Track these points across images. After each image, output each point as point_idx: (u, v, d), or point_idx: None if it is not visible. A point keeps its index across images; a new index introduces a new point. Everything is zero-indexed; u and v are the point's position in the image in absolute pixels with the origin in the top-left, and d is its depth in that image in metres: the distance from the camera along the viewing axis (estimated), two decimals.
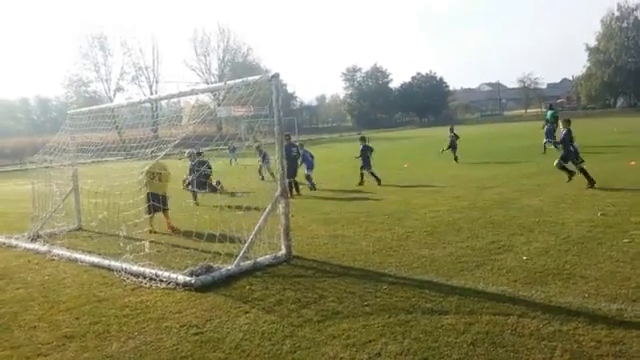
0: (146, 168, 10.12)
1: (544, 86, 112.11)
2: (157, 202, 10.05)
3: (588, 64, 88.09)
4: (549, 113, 24.09)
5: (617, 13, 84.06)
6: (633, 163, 16.45)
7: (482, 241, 8.00)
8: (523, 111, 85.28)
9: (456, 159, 21.18)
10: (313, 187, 15.61)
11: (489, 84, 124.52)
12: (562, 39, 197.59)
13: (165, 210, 10.60)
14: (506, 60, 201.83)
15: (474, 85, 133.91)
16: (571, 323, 4.77)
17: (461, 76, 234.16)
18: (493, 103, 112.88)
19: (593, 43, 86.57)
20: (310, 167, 16.03)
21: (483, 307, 5.31)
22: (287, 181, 8.40)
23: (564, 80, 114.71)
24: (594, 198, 10.86)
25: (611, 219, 8.82)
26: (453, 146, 21.62)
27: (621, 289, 5.55)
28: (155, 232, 10.22)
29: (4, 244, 10.40)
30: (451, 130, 22.12)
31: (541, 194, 11.91)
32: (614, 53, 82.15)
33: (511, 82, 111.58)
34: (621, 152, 20.52)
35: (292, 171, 13.73)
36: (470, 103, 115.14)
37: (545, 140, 21.94)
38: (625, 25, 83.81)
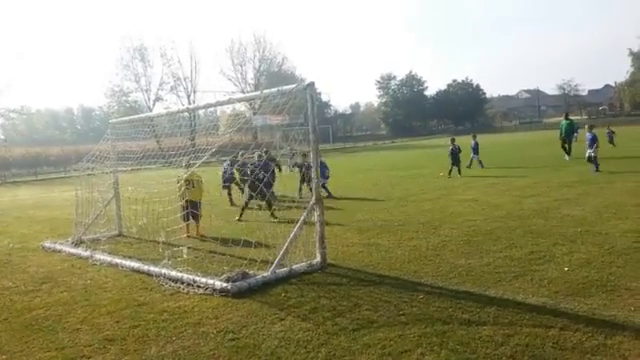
0: (184, 176, 10.36)
1: (585, 93, 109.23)
2: (194, 209, 10.29)
3: (632, 69, 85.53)
4: (565, 123, 23.79)
5: None
6: None
7: (521, 251, 7.82)
8: (562, 118, 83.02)
9: (450, 172, 19.96)
10: (330, 195, 15.81)
11: (528, 91, 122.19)
12: (604, 44, 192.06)
13: (197, 217, 10.79)
14: (546, 66, 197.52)
15: (512, 92, 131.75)
16: (616, 337, 4.60)
17: (499, 83, 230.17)
18: (532, 110, 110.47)
19: (637, 48, 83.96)
20: (324, 177, 15.97)
21: (523, 319, 5.18)
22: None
23: (606, 86, 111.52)
24: (639, 208, 10.46)
25: None
26: (455, 160, 20.08)
27: None
28: (191, 237, 10.44)
29: (50, 249, 10.77)
30: (452, 141, 20.79)
31: (583, 203, 11.55)
32: None
33: (551, 89, 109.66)
34: None
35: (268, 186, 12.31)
36: (508, 110, 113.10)
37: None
38: None
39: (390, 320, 5.41)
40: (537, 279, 6.42)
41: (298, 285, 6.92)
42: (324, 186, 16.05)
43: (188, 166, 10.48)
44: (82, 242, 10.83)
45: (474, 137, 23.02)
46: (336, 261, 7.99)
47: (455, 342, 4.74)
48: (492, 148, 33.41)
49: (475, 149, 22.71)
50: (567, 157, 22.80)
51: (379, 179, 20.84)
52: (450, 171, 20.03)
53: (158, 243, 8.78)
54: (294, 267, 7.47)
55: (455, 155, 20.16)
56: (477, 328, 5.02)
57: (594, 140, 17.61)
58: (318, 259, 7.77)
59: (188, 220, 10.68)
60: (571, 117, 25.59)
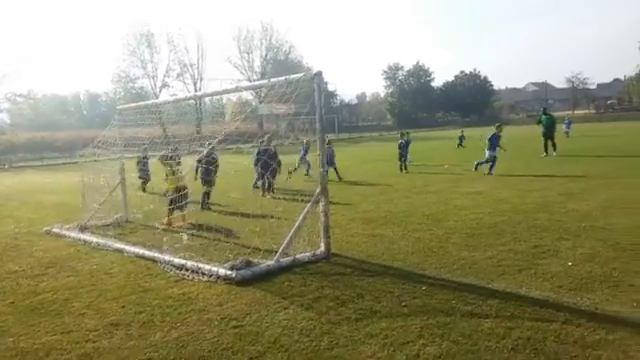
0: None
1: (594, 86, 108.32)
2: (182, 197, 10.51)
3: None
4: (542, 117, 23.57)
5: None
6: None
7: (525, 245, 7.82)
8: (570, 112, 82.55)
9: (402, 168, 19.44)
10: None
11: (535, 84, 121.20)
12: (614, 38, 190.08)
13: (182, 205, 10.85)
14: (554, 59, 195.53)
15: (520, 85, 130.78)
16: (618, 332, 4.62)
17: (507, 75, 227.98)
18: (540, 103, 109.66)
19: None
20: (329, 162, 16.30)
21: (525, 312, 5.20)
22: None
23: (615, 80, 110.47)
24: None
25: None
26: (403, 154, 19.55)
27: None
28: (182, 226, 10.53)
29: (56, 234, 10.86)
30: (402, 135, 20.36)
31: (587, 198, 11.53)
32: None
33: (559, 82, 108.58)
34: None
35: (266, 173, 13.76)
36: (515, 103, 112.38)
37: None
38: None
39: (393, 311, 5.45)
40: (540, 273, 6.44)
41: (302, 274, 6.96)
42: (335, 169, 17.16)
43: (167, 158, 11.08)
44: (88, 227, 10.92)
45: (402, 135, 21.04)
46: (340, 251, 8.03)
47: (457, 334, 4.77)
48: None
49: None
50: (545, 154, 22.47)
51: (384, 170, 20.81)
52: (400, 167, 19.55)
53: (158, 229, 8.82)
54: (298, 256, 7.51)
55: (403, 149, 19.58)
56: (479, 320, 5.05)
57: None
58: (322, 249, 7.81)
59: (181, 208, 10.83)
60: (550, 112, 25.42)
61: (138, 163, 16.35)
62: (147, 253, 8.36)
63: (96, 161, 12.77)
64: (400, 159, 19.66)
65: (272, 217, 9.46)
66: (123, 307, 6.06)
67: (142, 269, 7.72)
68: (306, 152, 18.75)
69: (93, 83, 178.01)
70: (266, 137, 14.76)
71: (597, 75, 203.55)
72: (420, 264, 7.15)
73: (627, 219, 9.13)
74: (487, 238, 8.38)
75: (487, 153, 17.66)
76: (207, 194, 12.88)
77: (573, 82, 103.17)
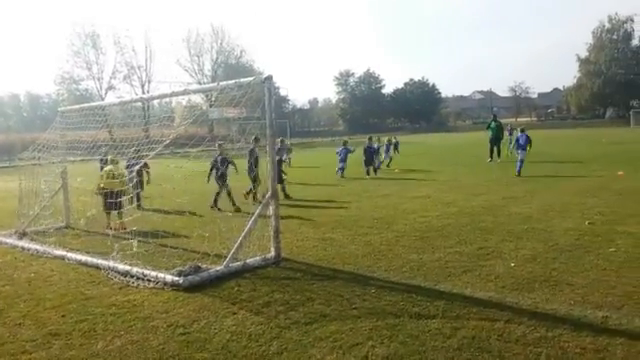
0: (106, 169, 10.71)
1: (535, 95, 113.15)
2: (112, 199, 10.26)
3: (579, 74, 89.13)
4: (492, 124, 24.49)
5: (608, 25, 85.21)
6: (621, 173, 16.64)
7: (470, 247, 8.05)
8: (514, 119, 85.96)
9: (369, 172, 19.68)
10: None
11: (481, 92, 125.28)
12: (554, 50, 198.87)
13: (116, 207, 10.59)
14: (499, 69, 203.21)
15: (466, 93, 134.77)
16: (557, 330, 4.81)
17: (454, 83, 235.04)
18: (485, 111, 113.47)
19: (584, 54, 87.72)
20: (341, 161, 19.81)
21: (470, 312, 5.34)
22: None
23: (555, 90, 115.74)
24: (582, 207, 10.97)
25: (598, 228, 8.91)
26: (369, 159, 19.85)
27: (607, 297, 5.61)
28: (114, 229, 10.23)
29: None
30: (344, 144, 20.59)
31: (530, 201, 12.01)
32: (604, 64, 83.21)
33: (503, 91, 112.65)
34: (609, 162, 20.77)
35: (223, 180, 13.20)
36: (462, 110, 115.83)
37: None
38: (615, 37, 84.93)
39: (342, 314, 5.47)
40: (485, 274, 6.63)
41: (252, 279, 6.89)
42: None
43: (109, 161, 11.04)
44: (26, 234, 10.41)
45: (344, 143, 21.54)
46: (291, 255, 7.99)
47: (405, 335, 4.84)
48: (446, 147, 34.24)
49: (389, 148, 23.24)
50: (490, 159, 23.28)
51: (335, 174, 20.95)
52: (368, 171, 19.76)
53: (108, 236, 8.53)
54: (248, 261, 7.43)
55: (369, 154, 19.90)
56: (426, 321, 5.14)
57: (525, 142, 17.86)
58: (272, 253, 7.75)
59: (109, 210, 10.67)
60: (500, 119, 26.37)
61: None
62: (90, 260, 8.04)
63: (36, 165, 12.19)
64: (367, 164, 19.90)
65: (222, 221, 9.31)
66: (63, 316, 5.79)
67: (84, 276, 7.42)
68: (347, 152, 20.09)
69: (34, 84, 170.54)
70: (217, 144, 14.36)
71: (538, 85, 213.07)
72: (370, 267, 7.22)
73: (565, 221, 9.57)
74: (435, 241, 8.57)
75: (520, 154, 17.75)
76: (219, 194, 13.13)
77: (516, 91, 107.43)
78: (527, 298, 5.70)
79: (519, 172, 17.20)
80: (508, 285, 6.17)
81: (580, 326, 4.87)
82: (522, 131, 18.56)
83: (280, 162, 14.94)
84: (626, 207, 10.73)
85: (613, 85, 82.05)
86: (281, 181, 14.00)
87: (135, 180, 9.85)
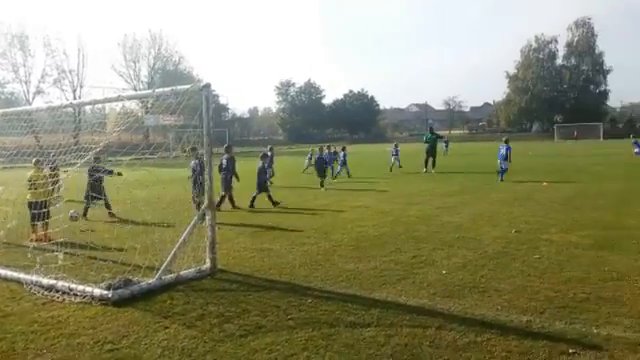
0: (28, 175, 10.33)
1: (467, 109, 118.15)
2: (36, 210, 9.90)
3: (508, 90, 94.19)
4: (428, 136, 25.30)
5: (534, 44, 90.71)
6: (545, 184, 17.66)
7: (405, 255, 8.23)
8: (448, 132, 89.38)
9: (322, 184, 18.65)
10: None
11: (417, 105, 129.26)
12: (486, 66, 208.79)
13: (40, 218, 10.13)
14: (435, 83, 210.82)
15: (403, 105, 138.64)
16: (485, 334, 4.99)
17: (391, 96, 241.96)
18: (421, 123, 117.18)
19: (513, 71, 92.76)
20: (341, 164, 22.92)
21: (403, 320, 5.45)
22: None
23: (486, 104, 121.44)
24: (509, 216, 11.51)
25: (524, 236, 9.37)
26: (320, 170, 19.01)
27: (531, 302, 5.89)
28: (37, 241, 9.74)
29: None
30: (320, 149, 20.35)
31: (461, 211, 12.46)
32: (531, 81, 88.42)
33: (438, 104, 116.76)
34: (534, 173, 21.97)
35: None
36: (399, 122, 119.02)
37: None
38: (541, 56, 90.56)
39: (278, 325, 5.42)
40: (418, 282, 6.80)
41: (185, 292, 6.70)
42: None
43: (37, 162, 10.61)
44: None
45: (343, 149, 23.57)
46: (227, 267, 7.86)
47: (340, 344, 4.86)
48: (384, 157, 34.98)
49: (344, 160, 23.26)
50: (425, 170, 24.00)
51: (275, 183, 20.87)
52: (322, 183, 18.72)
53: (29, 248, 8.04)
54: (182, 273, 7.22)
55: (320, 165, 19.16)
56: (361, 330, 5.20)
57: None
58: (208, 265, 7.59)
59: (33, 221, 10.14)
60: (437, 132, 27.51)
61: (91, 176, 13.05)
62: (10, 274, 7.55)
63: None
64: (319, 175, 18.95)
65: (155, 234, 9.02)
66: None
67: (4, 292, 6.95)
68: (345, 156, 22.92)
69: None
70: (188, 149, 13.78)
71: (470, 99, 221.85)
72: (307, 277, 7.21)
73: (494, 230, 10.00)
74: (371, 250, 8.70)
75: (503, 164, 19.44)
76: (223, 198, 13.78)
77: (450, 104, 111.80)
78: (457, 304, 5.89)
79: (502, 179, 19.03)
80: (440, 292, 6.35)
81: (506, 330, 5.08)
82: (506, 142, 19.72)
83: (264, 170, 15.01)
84: (549, 216, 11.37)
85: (539, 101, 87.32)
86: (266, 189, 14.81)
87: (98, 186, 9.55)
